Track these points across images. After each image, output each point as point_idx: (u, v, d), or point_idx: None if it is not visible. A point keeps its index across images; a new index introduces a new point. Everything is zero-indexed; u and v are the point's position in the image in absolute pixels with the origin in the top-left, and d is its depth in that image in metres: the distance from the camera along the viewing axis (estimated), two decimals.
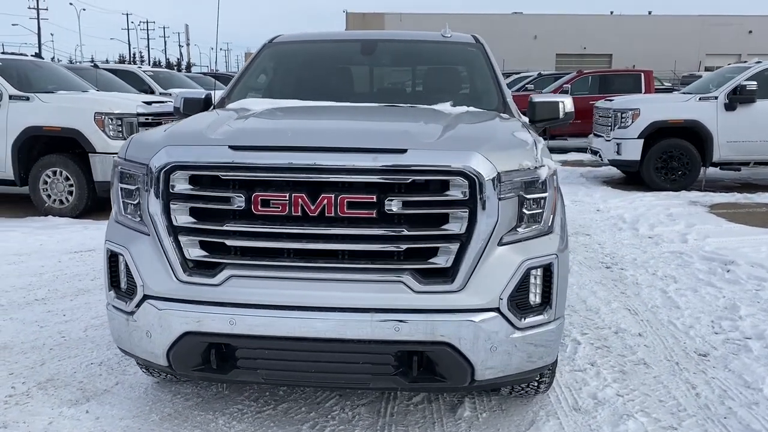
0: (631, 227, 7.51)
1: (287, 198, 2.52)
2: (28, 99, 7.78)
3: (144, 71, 13.63)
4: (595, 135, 11.42)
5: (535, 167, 2.70)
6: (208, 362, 2.69)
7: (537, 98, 4.00)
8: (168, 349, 2.69)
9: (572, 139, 16.25)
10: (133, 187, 2.81)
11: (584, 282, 5.39)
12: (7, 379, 3.53)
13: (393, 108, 3.62)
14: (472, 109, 3.64)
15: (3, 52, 8.87)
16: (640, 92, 15.42)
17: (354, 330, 2.55)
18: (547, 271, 2.72)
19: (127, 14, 76.32)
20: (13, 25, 79.21)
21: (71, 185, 7.80)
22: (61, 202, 7.89)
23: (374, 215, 2.52)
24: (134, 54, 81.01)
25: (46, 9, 62.34)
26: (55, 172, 7.82)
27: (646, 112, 10.17)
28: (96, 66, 11.66)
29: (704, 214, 8.39)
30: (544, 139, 13.49)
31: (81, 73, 10.76)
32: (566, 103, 4.05)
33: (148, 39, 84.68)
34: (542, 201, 2.75)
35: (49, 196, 7.89)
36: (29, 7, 61.32)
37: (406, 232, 2.53)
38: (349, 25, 53.93)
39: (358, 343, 2.57)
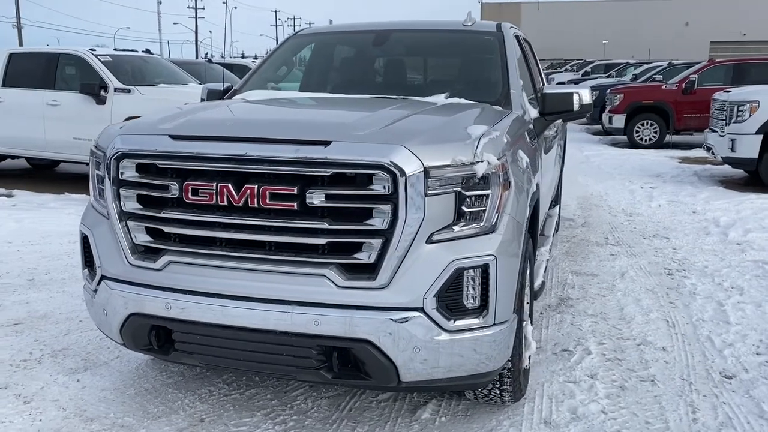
0: (722, 232, 6.82)
1: (214, 187, 2.57)
2: (129, 92, 8.47)
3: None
4: (711, 130, 10.45)
5: (471, 163, 2.54)
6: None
7: (548, 90, 3.76)
8: (120, 327, 2.85)
9: (699, 134, 14.95)
10: (102, 174, 2.99)
11: (633, 288, 4.99)
12: (30, 345, 3.90)
13: (376, 100, 3.55)
14: (462, 101, 3.49)
15: (116, 49, 9.69)
16: None
17: (276, 321, 2.56)
18: (484, 272, 2.56)
19: (275, 11, 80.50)
20: (174, 23, 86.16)
21: None
22: None
23: (295, 207, 2.50)
24: None
25: (203, 8, 67.21)
26: None
27: (767, 105, 9.15)
28: (209, 61, 12.49)
29: None
30: (669, 134, 12.52)
31: (193, 67, 11.52)
32: (582, 95, 3.77)
33: None
34: (484, 198, 2.59)
35: None
36: (188, 7, 66.45)
37: (327, 226, 2.50)
38: (484, 16, 53.15)
39: (280, 334, 2.57)
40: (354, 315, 2.50)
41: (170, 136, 2.70)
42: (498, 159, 2.63)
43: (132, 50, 10.55)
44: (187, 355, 2.79)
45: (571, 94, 3.72)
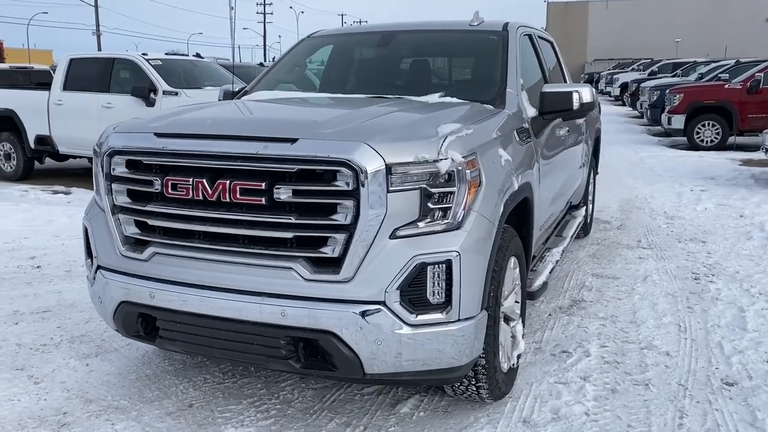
0: (766, 237, 6.52)
1: (191, 182, 2.70)
2: (176, 94, 8.84)
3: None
4: None
5: (435, 160, 2.57)
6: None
7: (547, 88, 3.72)
8: (112, 314, 3.02)
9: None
10: (98, 170, 3.17)
11: (652, 292, 4.86)
12: (53, 331, 4.16)
13: (368, 99, 3.61)
14: (454, 99, 3.51)
15: (167, 53, 10.11)
16: None
17: (246, 312, 2.67)
18: (448, 268, 2.58)
19: (342, 15, 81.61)
20: (243, 29, 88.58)
21: None
22: None
23: (263, 202, 2.60)
24: None
25: (272, 13, 68.80)
26: None
27: None
28: (261, 64, 12.88)
29: None
30: (732, 135, 12.01)
31: (245, 70, 11.87)
32: (582, 93, 3.72)
33: None
34: (449, 195, 2.62)
35: None
36: (257, 12, 68.24)
37: (293, 220, 2.58)
38: (550, 16, 52.15)
39: (251, 324, 2.68)
40: (319, 307, 2.58)
41: (155, 134, 2.86)
42: (464, 157, 2.65)
43: (183, 54, 10.97)
44: (170, 342, 2.93)
45: (570, 93, 3.67)
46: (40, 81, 13.77)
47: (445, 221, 2.62)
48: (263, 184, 2.59)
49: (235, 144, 2.65)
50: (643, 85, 20.32)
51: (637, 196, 8.93)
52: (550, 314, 4.44)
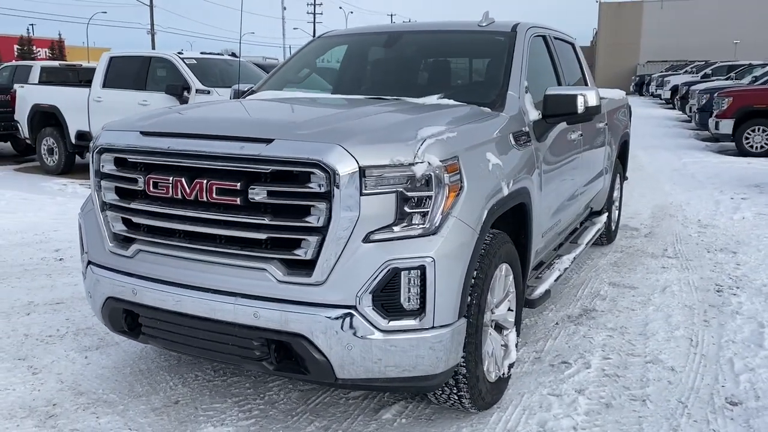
0: None
1: (170, 181, 2.71)
2: (208, 92, 8.98)
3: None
4: None
5: (411, 164, 2.52)
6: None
7: (550, 91, 3.61)
8: (100, 310, 3.07)
9: None
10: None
11: (669, 304, 4.68)
12: (61, 322, 4.26)
13: (364, 100, 3.57)
14: (450, 101, 3.44)
15: (202, 52, 10.27)
16: None
17: (221, 312, 2.67)
18: (422, 274, 2.52)
19: (391, 15, 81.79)
20: (294, 29, 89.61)
21: None
22: None
23: (238, 202, 2.59)
24: None
25: (321, 14, 69.38)
26: None
27: None
28: None
29: None
30: None
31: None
32: (588, 97, 3.60)
33: None
34: (426, 200, 2.57)
35: None
36: (308, 12, 68.94)
37: (267, 221, 2.57)
38: (602, 16, 51.01)
39: (225, 324, 2.68)
40: (290, 310, 2.56)
41: (141, 132, 2.88)
42: (443, 161, 2.59)
43: (218, 53, 11.13)
44: (152, 338, 2.96)
45: (574, 96, 3.55)
46: (89, 78, 14.18)
47: (422, 226, 2.56)
48: (238, 184, 2.58)
49: (212, 143, 2.65)
50: (693, 88, 19.67)
51: (672, 203, 8.63)
52: (557, 323, 4.32)
